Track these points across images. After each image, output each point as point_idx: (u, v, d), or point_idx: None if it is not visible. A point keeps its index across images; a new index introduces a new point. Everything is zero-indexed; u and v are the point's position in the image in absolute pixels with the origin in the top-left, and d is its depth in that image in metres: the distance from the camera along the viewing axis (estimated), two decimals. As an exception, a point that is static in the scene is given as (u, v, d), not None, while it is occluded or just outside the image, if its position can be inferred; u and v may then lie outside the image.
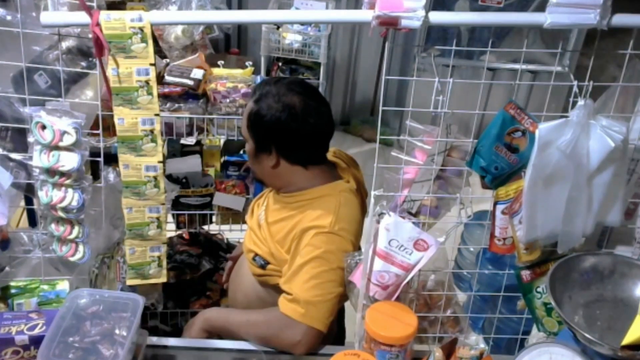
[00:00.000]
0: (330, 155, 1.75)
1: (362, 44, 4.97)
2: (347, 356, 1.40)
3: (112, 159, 1.65)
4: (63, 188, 1.48)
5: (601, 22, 1.26)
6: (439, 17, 1.28)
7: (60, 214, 1.50)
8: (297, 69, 4.39)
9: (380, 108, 1.39)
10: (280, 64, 4.32)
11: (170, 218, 2.43)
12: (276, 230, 1.60)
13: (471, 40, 4.13)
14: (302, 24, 4.07)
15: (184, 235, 2.56)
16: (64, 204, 1.48)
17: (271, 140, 1.57)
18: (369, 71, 5.02)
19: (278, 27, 4.08)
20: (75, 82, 1.60)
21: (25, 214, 2.46)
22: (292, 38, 4.08)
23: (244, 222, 2.45)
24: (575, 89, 1.35)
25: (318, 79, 4.38)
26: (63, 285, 1.63)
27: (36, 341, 1.39)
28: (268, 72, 4.25)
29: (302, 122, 1.54)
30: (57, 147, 1.44)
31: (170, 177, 2.45)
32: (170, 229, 2.37)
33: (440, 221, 1.54)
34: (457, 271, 2.64)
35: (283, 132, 1.55)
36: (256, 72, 2.31)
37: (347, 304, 1.71)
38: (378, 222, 1.45)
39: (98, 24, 1.33)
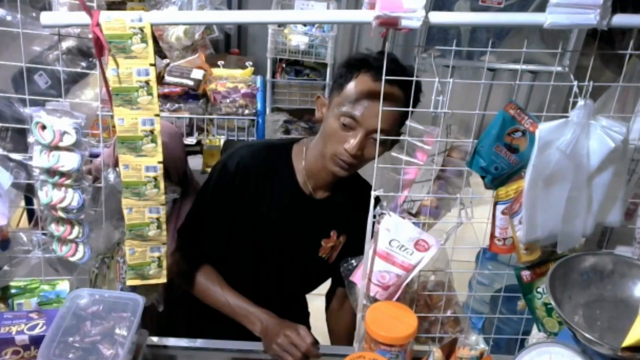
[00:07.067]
0: None
1: (362, 44, 4.97)
2: None
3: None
4: (63, 188, 1.48)
5: (601, 22, 1.26)
6: (439, 17, 1.27)
7: (60, 214, 1.50)
8: (301, 70, 4.41)
9: (381, 108, 1.39)
10: (284, 65, 4.34)
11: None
12: None
13: (471, 41, 4.13)
14: (303, 24, 4.08)
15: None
16: (64, 204, 1.47)
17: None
18: (369, 71, 5.01)
19: (283, 29, 4.10)
20: (75, 82, 1.60)
21: (25, 214, 2.46)
22: (298, 40, 4.10)
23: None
24: (575, 89, 1.35)
25: (324, 79, 4.39)
26: (63, 285, 1.63)
27: (36, 341, 1.39)
28: (273, 73, 4.29)
29: None
30: (57, 148, 1.44)
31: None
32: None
33: (440, 221, 1.54)
34: (468, 293, 2.52)
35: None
36: (260, 72, 2.31)
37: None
38: (378, 222, 1.45)
39: (98, 24, 1.33)
